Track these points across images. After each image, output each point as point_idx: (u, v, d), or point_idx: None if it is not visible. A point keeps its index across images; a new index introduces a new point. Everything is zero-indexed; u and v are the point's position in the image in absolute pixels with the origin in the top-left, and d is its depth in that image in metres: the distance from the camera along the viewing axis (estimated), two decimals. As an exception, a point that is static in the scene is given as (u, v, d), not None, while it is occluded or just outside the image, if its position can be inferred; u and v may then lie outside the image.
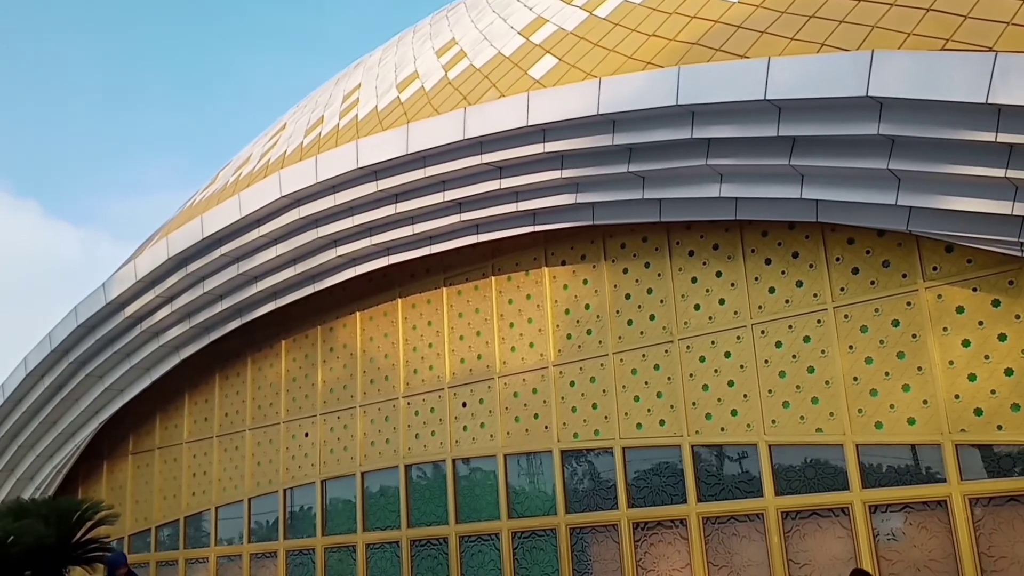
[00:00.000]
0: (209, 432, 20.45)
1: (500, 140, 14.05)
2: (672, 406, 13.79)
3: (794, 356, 12.81)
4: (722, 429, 13.27)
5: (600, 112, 12.70)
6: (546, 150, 13.62)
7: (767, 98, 11.31)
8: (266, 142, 19.90)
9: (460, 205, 15.30)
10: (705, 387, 13.50)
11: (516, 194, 14.64)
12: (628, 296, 14.55)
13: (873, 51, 10.55)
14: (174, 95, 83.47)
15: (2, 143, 76.02)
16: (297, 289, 17.94)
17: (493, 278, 16.29)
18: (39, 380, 21.11)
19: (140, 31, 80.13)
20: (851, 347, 12.36)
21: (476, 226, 15.51)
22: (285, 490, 18.68)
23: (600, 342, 14.74)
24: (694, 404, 13.57)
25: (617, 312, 14.63)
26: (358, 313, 18.22)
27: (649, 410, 14.00)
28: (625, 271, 14.67)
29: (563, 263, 15.45)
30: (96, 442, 22.26)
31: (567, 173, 13.75)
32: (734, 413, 13.18)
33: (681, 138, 12.37)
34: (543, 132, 13.58)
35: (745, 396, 13.12)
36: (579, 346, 14.95)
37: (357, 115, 17.05)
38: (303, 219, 16.66)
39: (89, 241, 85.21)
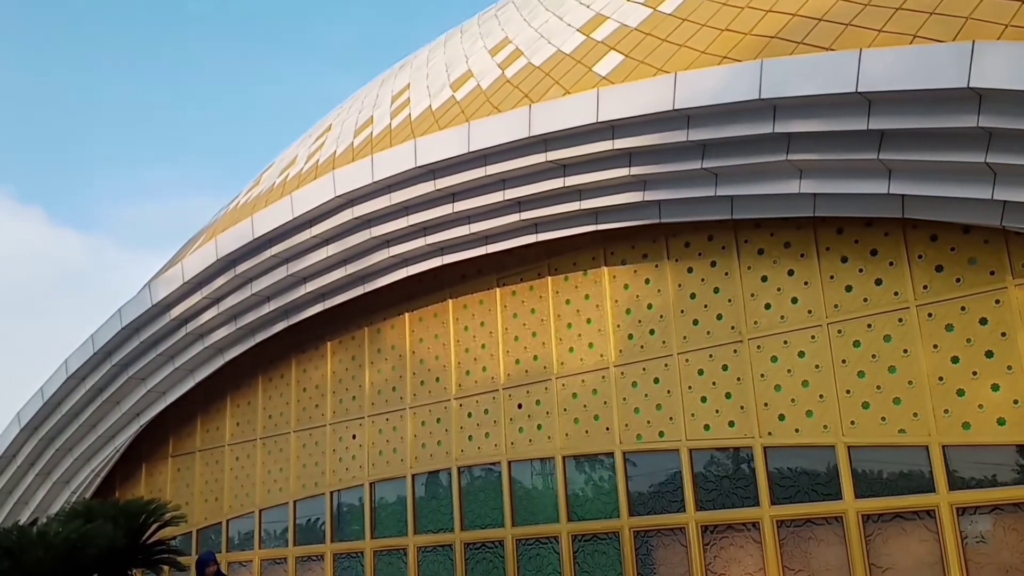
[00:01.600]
0: (252, 434, 19.66)
1: (566, 137, 13.34)
2: (742, 407, 13.03)
3: (874, 356, 12.07)
4: (796, 430, 12.51)
5: (675, 108, 11.99)
6: (615, 147, 12.91)
7: (858, 91, 10.60)
8: (312, 143, 19.16)
9: (520, 204, 14.57)
10: (777, 387, 12.75)
11: (579, 192, 13.91)
12: (693, 295, 13.81)
13: (974, 41, 9.81)
14: (178, 102, 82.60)
15: (6, 149, 75.02)
16: (346, 290, 17.19)
17: (549, 278, 15.54)
18: (80, 383, 20.33)
19: (142, 37, 79.28)
20: (936, 346, 11.62)
21: (535, 225, 14.79)
22: (332, 492, 17.89)
23: (664, 342, 13.99)
24: (766, 405, 12.81)
25: (682, 312, 13.89)
26: (407, 314, 17.45)
27: (717, 411, 13.24)
28: (690, 270, 13.93)
29: (623, 262, 14.71)
30: (135, 445, 21.48)
31: (635, 170, 13.03)
32: (809, 414, 12.43)
33: (761, 133, 11.65)
34: (612, 129, 12.87)
35: (821, 397, 12.37)
36: (641, 346, 14.20)
37: (410, 115, 16.31)
38: (356, 219, 15.93)
39: (94, 247, 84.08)
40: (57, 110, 79.96)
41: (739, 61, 11.82)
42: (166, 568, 13.41)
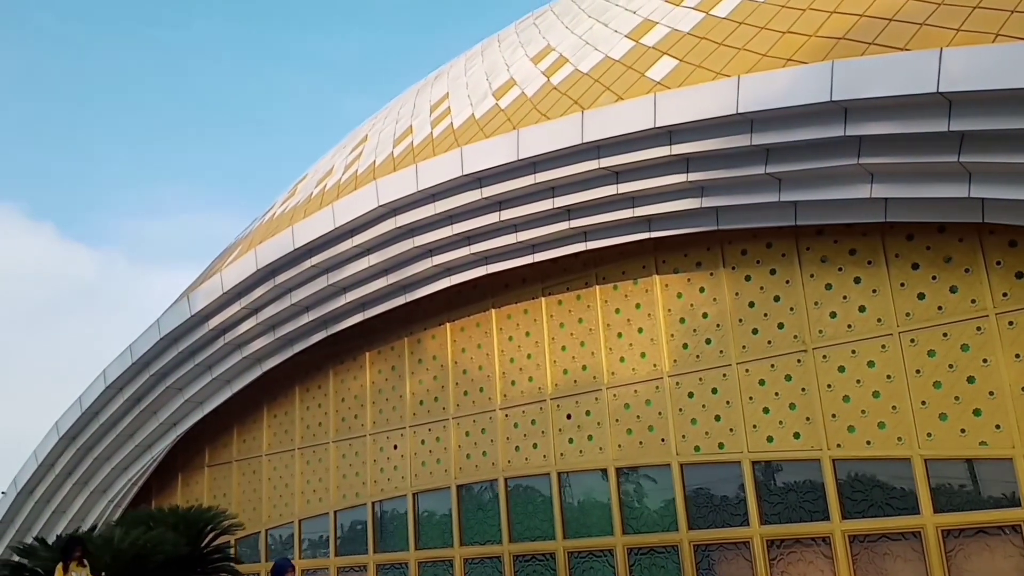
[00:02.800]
0: (290, 444, 18.58)
1: (621, 144, 12.31)
2: (808, 418, 11.97)
3: (951, 366, 11.01)
4: (868, 442, 11.45)
5: (739, 111, 10.95)
6: (672, 153, 11.88)
7: (939, 91, 9.53)
8: (348, 154, 18.10)
9: (569, 212, 13.53)
10: (846, 398, 11.70)
11: (632, 199, 12.87)
12: (752, 304, 12.75)
13: (1071, 36, 8.74)
14: (186, 119, 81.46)
15: (18, 166, 73.75)
16: (387, 300, 16.13)
17: (597, 287, 14.49)
18: (118, 392, 19.26)
19: (151, 56, 78.15)
20: (1017, 355, 10.60)
21: (584, 233, 13.74)
22: (373, 503, 16.83)
23: (721, 352, 12.94)
24: (834, 416, 11.75)
25: (740, 320, 12.83)
26: (447, 324, 16.38)
27: (781, 422, 12.17)
28: (748, 278, 12.88)
29: (676, 271, 13.66)
30: (170, 455, 20.41)
31: (693, 176, 11.99)
32: (881, 426, 11.38)
33: (830, 136, 10.60)
34: (669, 134, 11.83)
35: (894, 408, 11.31)
36: (697, 356, 13.14)
37: (452, 124, 15.26)
38: (399, 228, 14.89)
39: (104, 262, 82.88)
40: (67, 128, 78.80)
41: (805, 63, 10.76)
42: None
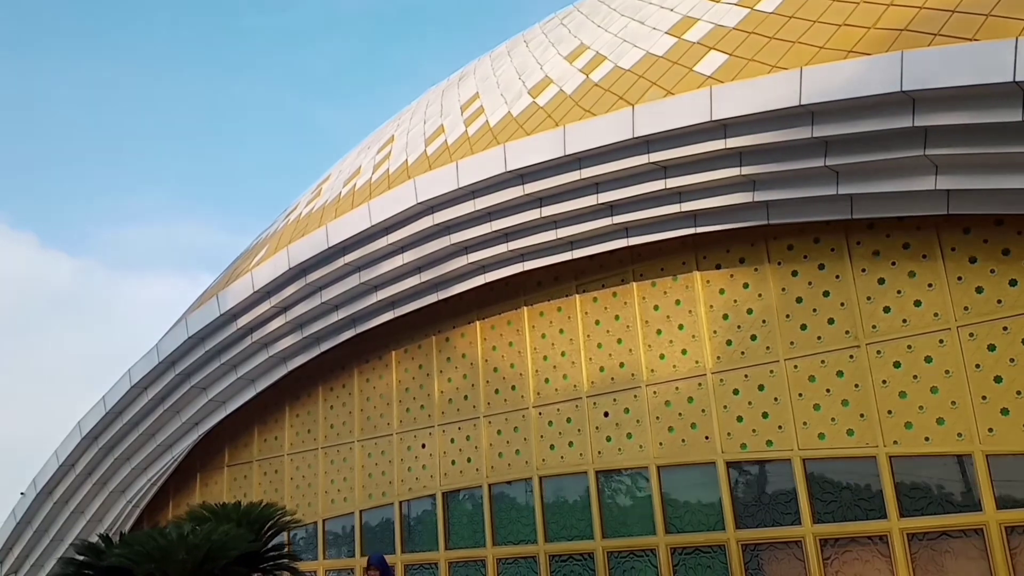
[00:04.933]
0: (313, 444, 17.63)
1: (672, 138, 11.54)
2: (862, 415, 11.19)
3: (1012, 360, 10.28)
4: (926, 439, 10.67)
5: (802, 103, 10.20)
6: (727, 146, 11.08)
7: (1015, 80, 8.79)
8: (375, 154, 17.27)
9: (612, 208, 12.74)
10: (902, 394, 10.92)
11: (679, 194, 12.10)
12: (799, 299, 11.98)
13: None
14: (164, 127, 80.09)
15: (0, 176, 72.12)
16: (418, 298, 15.30)
17: (635, 284, 13.68)
18: (142, 392, 18.31)
19: (129, 64, 76.94)
20: (1085, 349, 9.77)
21: (626, 229, 12.95)
22: (401, 502, 15.88)
23: (768, 348, 12.14)
24: (890, 412, 10.97)
25: (787, 316, 12.04)
26: (477, 322, 15.53)
27: (833, 419, 11.38)
28: (794, 273, 12.11)
29: (718, 267, 12.88)
30: (189, 455, 19.43)
31: (746, 170, 11.22)
32: (940, 422, 10.60)
33: (896, 128, 9.85)
34: (724, 128, 11.07)
35: (953, 403, 10.54)
36: (742, 352, 12.34)
37: (487, 122, 14.46)
38: (436, 225, 14.06)
39: (83, 270, 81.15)
40: (48, 137, 77.21)
41: (869, 55, 10.00)
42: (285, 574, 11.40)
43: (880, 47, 10.05)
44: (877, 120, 10.06)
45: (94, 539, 18.66)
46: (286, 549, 12.18)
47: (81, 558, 12.08)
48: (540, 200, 13.19)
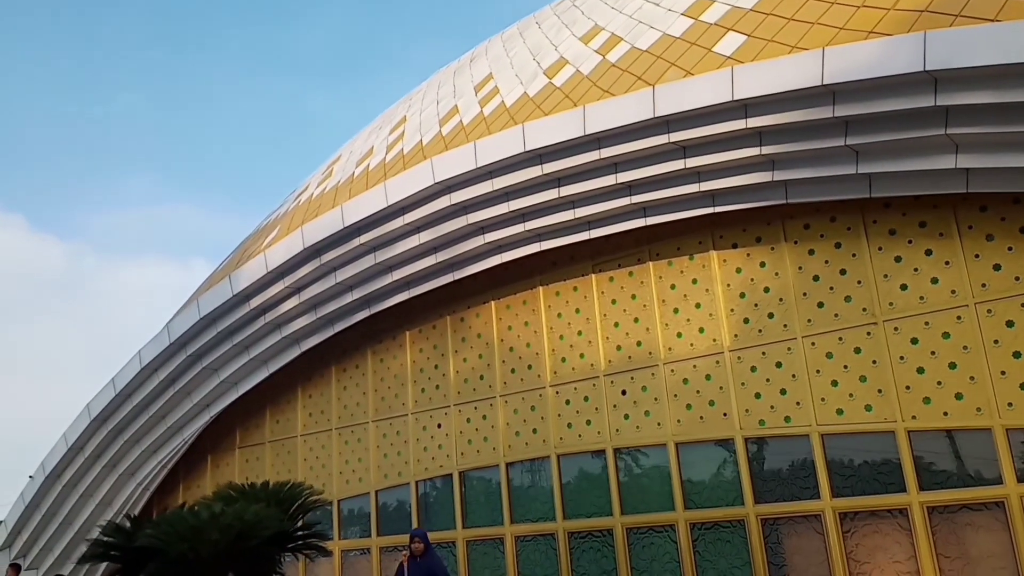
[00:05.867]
0: (327, 425, 17.96)
1: (693, 118, 11.84)
2: (880, 390, 11.55)
3: (1030, 336, 10.59)
4: (945, 414, 11.04)
5: (824, 83, 10.49)
6: (747, 126, 11.39)
7: (1039, 58, 9.10)
8: (387, 134, 17.52)
9: (631, 188, 13.05)
10: (920, 370, 11.28)
11: (698, 174, 12.40)
12: (816, 278, 12.32)
13: None
14: (155, 111, 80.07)
15: None
16: (434, 278, 15.61)
17: (651, 263, 14.00)
18: (152, 373, 18.57)
19: (116, 49, 76.82)
20: (1102, 325, 10.14)
21: (644, 209, 13.26)
22: (417, 482, 16.23)
23: (785, 326, 12.49)
24: (908, 388, 11.33)
25: (804, 294, 12.39)
26: (493, 302, 15.85)
27: (851, 395, 11.74)
28: (811, 252, 12.44)
29: (735, 246, 13.21)
30: (200, 437, 19.74)
31: (766, 150, 11.54)
32: (959, 397, 10.97)
33: (918, 107, 10.16)
34: (745, 107, 11.37)
35: (972, 379, 10.91)
36: (759, 330, 12.69)
37: (503, 102, 14.73)
38: (453, 205, 14.34)
39: (74, 254, 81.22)
40: (37, 121, 77.09)
41: (890, 35, 10.29)
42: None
43: (901, 28, 10.33)
44: (899, 100, 10.36)
45: (103, 522, 19.04)
46: (318, 528, 12.42)
47: (108, 539, 12.34)
48: (558, 180, 13.48)
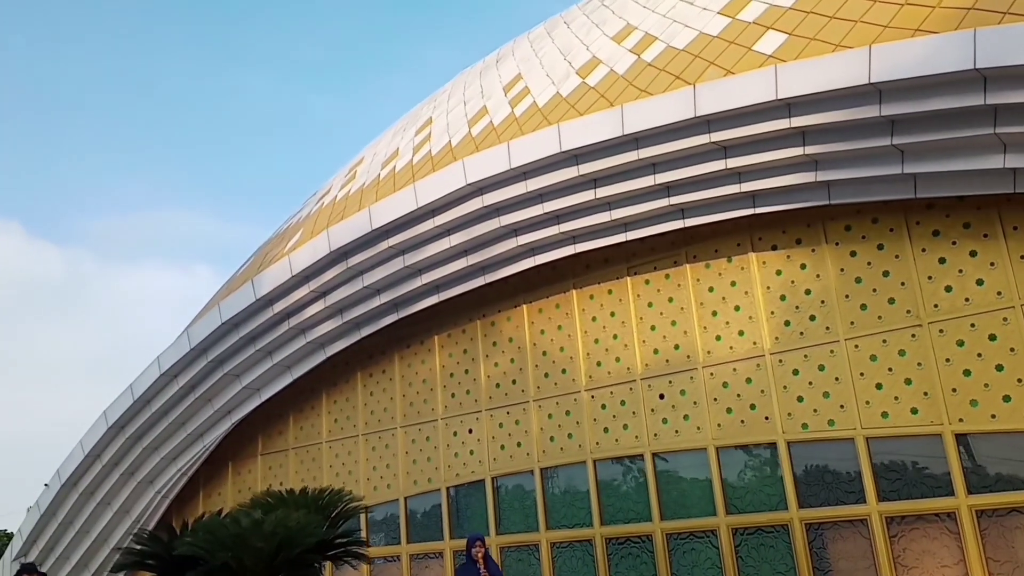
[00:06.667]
0: (353, 431, 18.38)
1: (735, 117, 12.22)
2: (926, 393, 11.94)
3: (1078, 337, 10.97)
4: (993, 416, 11.43)
5: (871, 81, 10.84)
6: (791, 125, 11.76)
7: (1090, 57, 9.48)
8: (413, 136, 17.91)
9: (669, 189, 13.44)
10: (967, 372, 11.67)
11: (739, 175, 12.80)
12: (859, 280, 12.72)
13: None
14: (154, 115, 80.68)
15: None
16: (464, 282, 16.00)
17: (688, 266, 14.40)
18: (172, 380, 18.97)
19: (114, 52, 77.38)
20: None
21: (682, 210, 13.65)
22: (448, 488, 16.63)
23: (827, 328, 12.89)
24: (954, 391, 11.72)
25: (846, 296, 12.78)
26: (524, 306, 16.26)
27: (896, 398, 12.14)
28: (853, 253, 12.84)
29: (774, 248, 13.60)
30: (221, 444, 20.12)
31: (809, 150, 11.92)
32: (1007, 399, 11.36)
33: (967, 106, 10.54)
34: (789, 107, 11.75)
35: (1020, 381, 11.33)
36: (801, 333, 13.08)
37: (535, 102, 15.13)
38: (485, 207, 14.74)
39: (72, 260, 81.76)
40: (32, 125, 77.63)
41: (937, 33, 10.66)
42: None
43: (948, 25, 10.70)
44: (947, 98, 10.72)
45: (121, 531, 19.46)
46: (357, 535, 12.82)
47: (143, 547, 12.74)
48: (594, 181, 13.87)
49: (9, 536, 45.97)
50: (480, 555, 11.22)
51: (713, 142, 12.51)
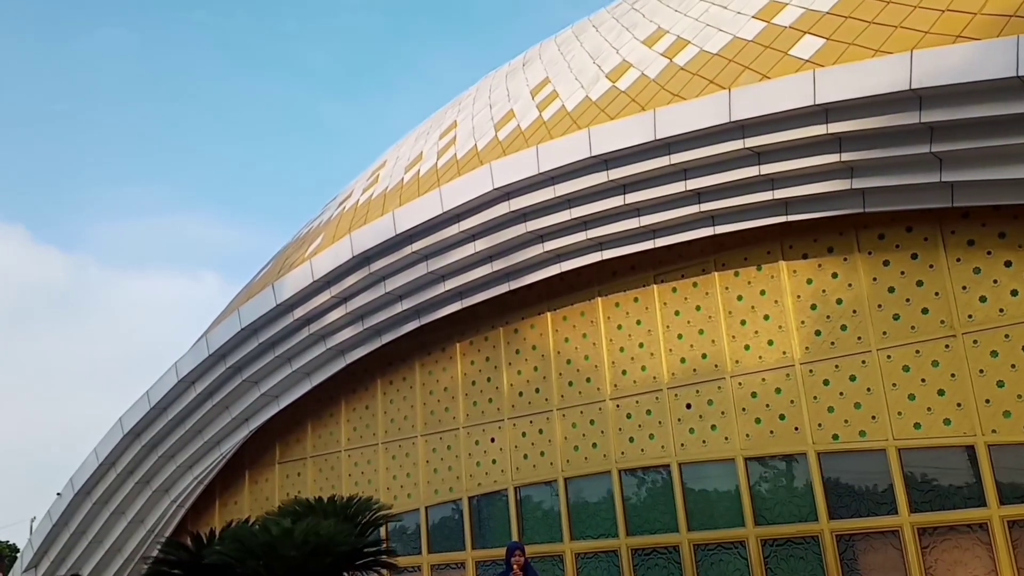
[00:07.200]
0: (372, 439, 18.65)
1: (770, 123, 12.49)
2: (959, 404, 12.15)
3: (1115, 348, 11.17)
4: (1027, 427, 11.59)
5: (912, 87, 11.08)
6: (828, 132, 12.00)
7: None
8: (436, 140, 18.24)
9: (699, 195, 13.70)
10: (1000, 384, 11.89)
11: (772, 181, 13.05)
12: (892, 289, 12.94)
13: None
14: (161, 120, 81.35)
15: None
16: (488, 288, 16.28)
17: (716, 274, 14.64)
18: (190, 387, 19.27)
19: (125, 59, 78.16)
20: None
21: (712, 218, 13.90)
22: (470, 498, 16.86)
23: (859, 338, 13.11)
24: (988, 402, 11.93)
25: (879, 306, 13.01)
26: (548, 313, 16.52)
27: (929, 409, 12.35)
28: (886, 263, 13.06)
29: (805, 256, 13.83)
30: (237, 452, 20.40)
31: (846, 156, 12.17)
32: (1041, 410, 11.52)
33: (1009, 114, 10.78)
34: (826, 112, 12.01)
35: (1055, 392, 11.47)
36: (832, 343, 13.30)
37: (563, 106, 15.44)
38: (512, 213, 15.02)
39: (77, 266, 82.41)
40: (40, 129, 78.46)
41: (978, 40, 10.91)
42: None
43: (990, 32, 10.93)
44: (988, 106, 10.94)
45: (135, 541, 19.73)
46: (385, 544, 13.06)
47: (169, 556, 12.93)
48: (624, 187, 14.14)
49: (11, 547, 46.37)
50: (519, 564, 11.27)
51: (747, 148, 12.76)
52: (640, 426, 15.05)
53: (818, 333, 13.55)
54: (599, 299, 15.98)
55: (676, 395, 14.76)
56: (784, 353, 13.81)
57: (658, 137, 13.22)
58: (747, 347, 14.19)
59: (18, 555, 22.56)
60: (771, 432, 13.69)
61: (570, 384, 16.04)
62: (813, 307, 13.67)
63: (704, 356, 14.61)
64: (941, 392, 12.35)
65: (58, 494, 21.86)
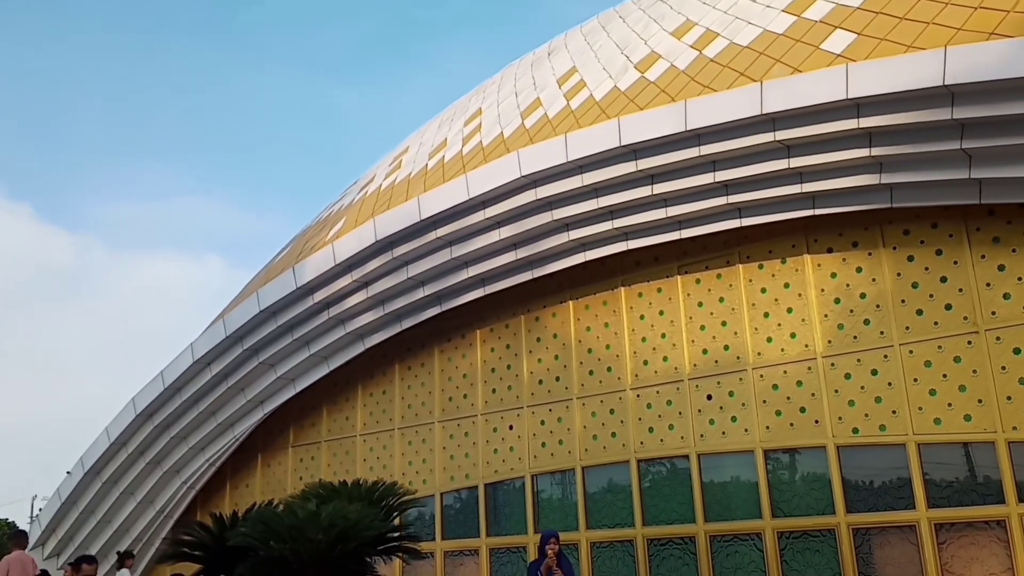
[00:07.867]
0: (389, 424, 19.22)
1: (801, 116, 12.98)
2: (980, 400, 12.66)
3: None
4: (1047, 424, 12.10)
5: (946, 83, 11.58)
6: (859, 126, 12.51)
7: None
8: (462, 127, 18.78)
9: (727, 187, 14.22)
10: (1022, 381, 12.44)
11: (800, 175, 13.57)
12: (915, 285, 13.45)
13: None
14: (170, 102, 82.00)
15: None
16: (511, 276, 16.81)
17: (740, 266, 15.17)
18: (205, 368, 19.85)
19: (130, 37, 78.81)
20: None
21: (739, 210, 14.42)
22: (486, 484, 17.42)
23: (882, 333, 13.62)
24: (1009, 399, 12.45)
25: (903, 301, 13.52)
26: (570, 302, 17.07)
27: (950, 404, 12.87)
28: (910, 258, 13.57)
29: (829, 250, 14.36)
30: (251, 435, 20.97)
31: (876, 151, 12.67)
32: (1062, 408, 12.03)
33: (1045, 111, 11.22)
34: (857, 107, 12.50)
35: (1076, 390, 11.98)
36: (854, 337, 13.83)
37: (592, 95, 15.97)
38: (538, 200, 15.55)
39: (82, 246, 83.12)
40: (47, 107, 79.19)
41: (1012, 37, 11.41)
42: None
43: (1020, 30, 11.43)
44: (1020, 103, 11.43)
45: (144, 522, 20.32)
46: (409, 529, 13.57)
47: (190, 538, 13.43)
48: (652, 177, 14.67)
49: (11, 525, 47.05)
50: (554, 551, 11.46)
51: (777, 140, 13.27)
52: (660, 416, 15.59)
53: (841, 327, 14.07)
54: (622, 289, 16.50)
55: (697, 386, 15.29)
56: (806, 346, 14.33)
57: (689, 128, 13.72)
58: (769, 339, 14.72)
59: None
60: (791, 424, 14.22)
61: (591, 373, 16.58)
62: (836, 301, 14.18)
63: (726, 348, 15.14)
64: (962, 388, 12.86)
65: (68, 473, 22.43)
